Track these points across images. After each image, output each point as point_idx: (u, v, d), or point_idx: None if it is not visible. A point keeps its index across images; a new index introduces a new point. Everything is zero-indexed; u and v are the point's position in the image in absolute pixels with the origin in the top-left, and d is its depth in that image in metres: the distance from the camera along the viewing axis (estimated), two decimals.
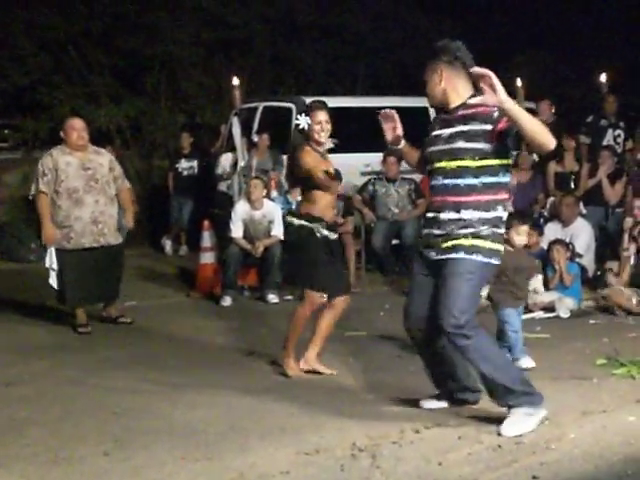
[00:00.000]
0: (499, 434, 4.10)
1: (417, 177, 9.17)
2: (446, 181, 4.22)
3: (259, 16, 13.95)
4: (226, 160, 10.25)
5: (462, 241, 4.17)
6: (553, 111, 10.10)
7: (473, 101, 4.09)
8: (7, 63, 12.59)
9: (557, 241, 7.70)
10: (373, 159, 9.74)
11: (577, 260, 7.88)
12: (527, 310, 7.30)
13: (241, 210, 8.36)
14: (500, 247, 4.25)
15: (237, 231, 8.27)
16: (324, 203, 5.31)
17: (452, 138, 4.20)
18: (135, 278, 9.15)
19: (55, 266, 6.79)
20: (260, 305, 8.00)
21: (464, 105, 4.21)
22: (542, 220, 8.94)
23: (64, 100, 12.62)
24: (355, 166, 9.88)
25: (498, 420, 4.27)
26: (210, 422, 4.43)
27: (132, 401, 4.86)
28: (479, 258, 4.15)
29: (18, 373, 5.59)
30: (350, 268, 8.77)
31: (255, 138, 10.09)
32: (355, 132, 10.68)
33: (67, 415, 4.62)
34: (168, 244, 11.31)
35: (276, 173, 9.72)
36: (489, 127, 4.11)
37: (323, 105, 5.37)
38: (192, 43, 13.27)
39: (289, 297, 8.11)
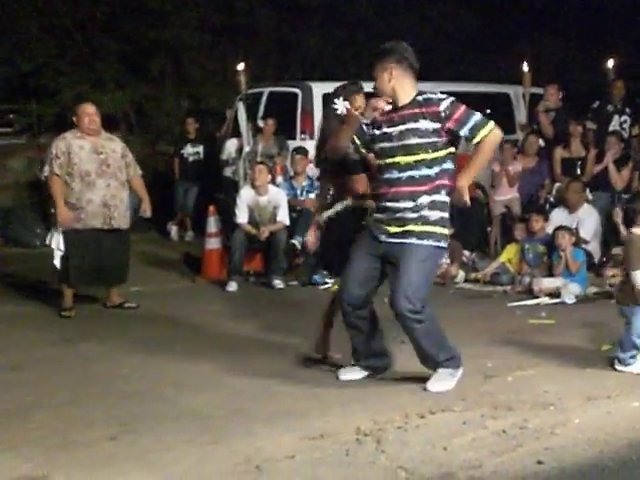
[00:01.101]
0: (425, 389, 4.56)
1: None
2: (401, 174, 4.51)
3: (265, 1, 13.90)
4: (231, 145, 10.25)
5: (412, 227, 4.48)
6: (560, 96, 10.05)
7: (421, 98, 4.50)
8: (12, 48, 12.58)
9: (562, 227, 7.69)
10: None
11: (583, 246, 7.87)
12: (532, 296, 7.34)
13: (246, 195, 8.35)
14: (447, 231, 4.58)
15: (242, 216, 8.28)
16: (364, 184, 5.07)
17: (404, 134, 4.50)
18: (141, 263, 9.17)
19: (62, 246, 6.83)
20: (266, 290, 8.01)
21: (413, 103, 4.52)
22: (548, 206, 8.92)
23: (69, 85, 12.61)
24: None
25: (504, 406, 4.28)
26: (216, 406, 4.45)
27: (138, 386, 4.88)
28: (430, 242, 4.49)
29: (24, 358, 5.61)
30: None
31: (260, 123, 10.07)
32: None
33: (73, 399, 4.64)
34: (174, 230, 11.32)
35: (281, 158, 9.71)
36: (438, 125, 4.47)
37: (360, 89, 5.17)
38: (197, 28, 13.24)
39: (294, 282, 8.13)
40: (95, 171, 6.84)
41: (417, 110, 4.49)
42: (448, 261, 8.31)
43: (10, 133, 13.26)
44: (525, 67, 10.18)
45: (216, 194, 10.19)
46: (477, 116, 4.53)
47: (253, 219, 8.31)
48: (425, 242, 4.47)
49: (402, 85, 4.55)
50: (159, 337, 6.16)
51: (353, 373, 4.91)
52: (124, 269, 7.17)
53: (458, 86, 11.46)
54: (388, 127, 4.57)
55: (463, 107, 4.53)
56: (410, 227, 4.48)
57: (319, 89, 9.95)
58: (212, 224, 8.92)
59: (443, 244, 4.58)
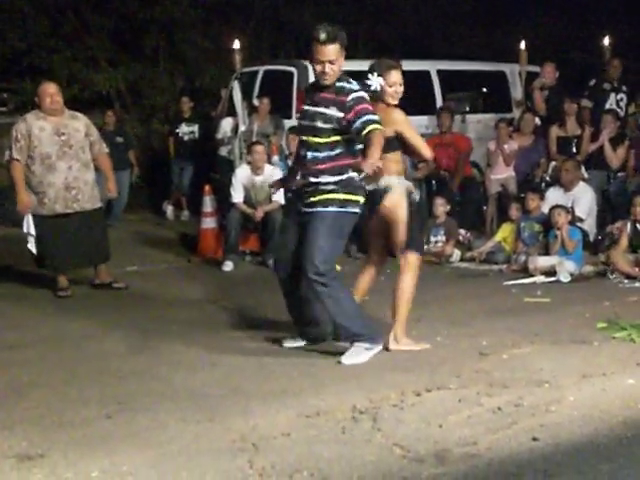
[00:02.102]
0: (339, 362, 4.71)
1: None
2: (309, 153, 4.85)
3: None
4: (227, 124, 10.20)
5: (318, 197, 4.82)
6: (557, 75, 10.02)
7: (339, 85, 4.74)
8: (6, 26, 12.49)
9: (558, 206, 7.69)
10: None
11: (578, 224, 7.87)
12: (528, 274, 7.35)
13: (242, 175, 8.33)
14: (356, 197, 4.81)
15: (238, 196, 8.26)
16: (401, 163, 5.12)
17: (314, 117, 4.82)
18: (136, 243, 9.17)
19: (33, 231, 6.80)
20: (262, 270, 8.00)
21: (330, 87, 4.78)
22: (544, 185, 8.92)
23: (62, 64, 12.53)
24: None
25: (499, 384, 4.30)
26: (211, 385, 4.46)
27: (134, 365, 4.89)
28: (333, 209, 4.79)
29: (20, 337, 5.62)
30: None
31: (256, 102, 10.03)
32: None
33: (70, 378, 4.65)
34: (169, 209, 11.30)
35: (277, 138, 9.68)
36: (342, 114, 4.73)
37: (398, 65, 5.09)
38: (191, 5, 13.13)
39: None
40: (56, 153, 6.73)
41: (330, 96, 4.78)
42: (443, 237, 8.33)
43: (4, 112, 13.19)
44: (522, 45, 10.14)
45: (212, 173, 10.16)
46: (372, 115, 4.70)
47: (249, 199, 8.29)
48: (329, 209, 4.78)
49: (340, 69, 4.79)
50: (155, 316, 6.17)
51: (296, 341, 5.16)
52: (104, 247, 7.11)
53: (454, 65, 11.45)
54: (307, 105, 4.92)
55: (366, 104, 4.73)
56: (317, 197, 4.82)
57: None
58: (208, 203, 8.91)
59: (350, 209, 4.82)
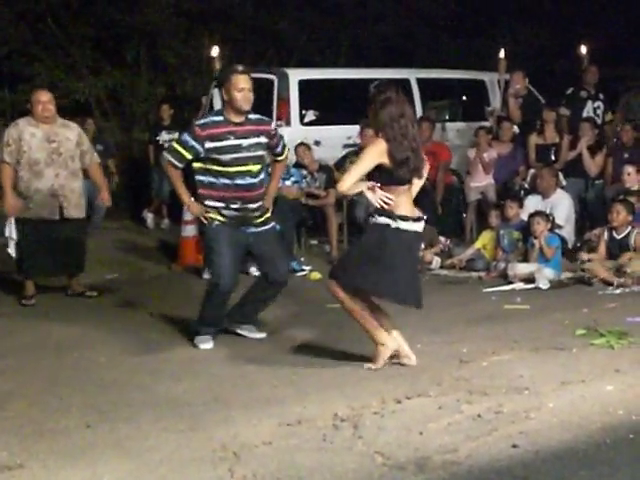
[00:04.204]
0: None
1: None
2: (252, 180, 5.39)
3: None
4: None
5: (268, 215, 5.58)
6: (527, 83, 10.10)
7: (253, 117, 5.44)
8: None
9: (537, 213, 7.75)
10: (355, 132, 9.73)
11: (557, 231, 7.93)
12: (507, 281, 7.39)
13: None
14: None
15: None
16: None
17: (254, 147, 5.37)
18: (116, 251, 9.12)
19: (14, 235, 6.79)
20: (242, 278, 7.95)
21: (248, 120, 5.40)
22: (523, 192, 8.98)
23: (43, 71, 12.48)
24: (338, 138, 9.84)
25: (479, 391, 4.32)
26: (193, 394, 4.46)
27: (115, 374, 4.88)
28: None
29: None
30: (332, 240, 8.80)
31: None
32: (338, 104, 10.65)
33: (50, 388, 4.63)
34: (149, 217, 11.24)
35: None
36: (268, 140, 5.47)
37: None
38: (172, 13, 13.12)
39: None
40: (44, 160, 6.75)
41: (256, 127, 5.47)
42: (422, 246, 8.36)
43: None
44: (501, 54, 10.21)
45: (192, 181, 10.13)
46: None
47: None
48: (275, 225, 5.72)
49: None
50: (136, 325, 6.15)
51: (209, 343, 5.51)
52: (81, 258, 7.13)
53: (434, 73, 11.50)
54: (235, 139, 5.37)
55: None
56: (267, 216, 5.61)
57: (295, 76, 9.93)
58: (188, 211, 8.87)
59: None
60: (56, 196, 6.81)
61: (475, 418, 3.95)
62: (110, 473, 3.43)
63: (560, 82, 11.29)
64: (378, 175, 4.74)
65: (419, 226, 4.82)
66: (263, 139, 5.46)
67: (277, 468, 3.43)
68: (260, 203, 5.49)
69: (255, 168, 5.42)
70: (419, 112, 10.64)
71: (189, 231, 8.75)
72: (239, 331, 5.69)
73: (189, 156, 5.43)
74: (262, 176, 5.53)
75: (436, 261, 8.27)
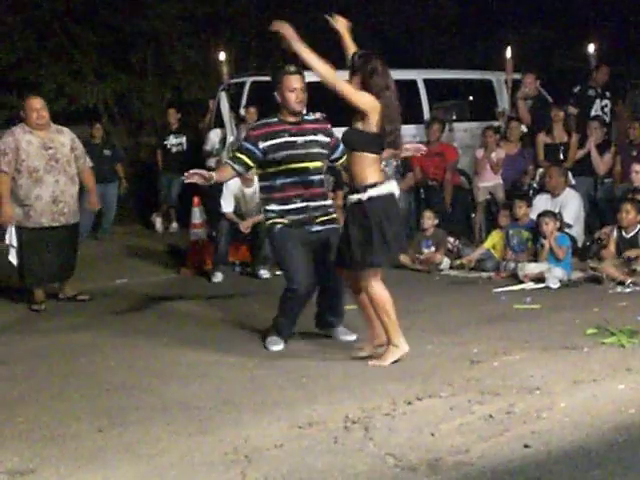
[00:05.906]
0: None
1: None
2: (310, 177, 5.34)
3: None
4: (215, 136, 10.22)
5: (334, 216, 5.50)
6: (538, 85, 10.08)
7: (310, 117, 5.49)
8: None
9: (546, 213, 7.72)
10: None
11: (566, 230, 7.90)
12: (517, 281, 7.37)
13: (233, 186, 8.33)
14: None
15: (228, 206, 8.26)
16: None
17: (309, 144, 5.33)
18: (125, 256, 9.15)
19: (15, 243, 6.80)
20: (251, 281, 8.00)
21: (304, 120, 5.40)
22: (531, 192, 8.95)
23: (50, 77, 12.52)
24: None
25: (490, 391, 4.31)
26: (203, 397, 4.45)
27: (125, 378, 4.88)
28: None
29: (9, 352, 5.60)
30: None
31: (242, 112, 10.04)
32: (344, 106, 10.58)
33: (60, 393, 4.63)
34: (158, 221, 11.29)
35: None
36: (326, 139, 5.42)
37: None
38: (178, 18, 13.15)
39: (280, 272, 8.10)
40: (43, 167, 6.76)
41: (313, 125, 5.47)
42: (433, 248, 8.34)
43: None
44: (508, 54, 10.19)
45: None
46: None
47: (238, 210, 8.29)
48: (337, 225, 5.43)
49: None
50: (145, 329, 6.15)
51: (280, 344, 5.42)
52: (72, 263, 7.15)
53: (441, 73, 11.50)
54: (290, 136, 5.34)
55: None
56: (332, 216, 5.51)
57: None
58: (197, 215, 8.90)
59: None
60: (57, 202, 6.82)
61: (487, 418, 3.93)
62: (121, 477, 3.42)
63: (567, 81, 11.26)
64: (356, 140, 4.79)
65: (389, 186, 4.84)
66: (321, 137, 5.38)
67: (289, 471, 3.42)
68: (322, 202, 5.39)
69: (312, 165, 5.33)
70: (426, 113, 10.65)
71: (198, 234, 8.77)
72: (332, 335, 5.61)
73: (249, 161, 5.32)
74: (321, 175, 5.42)
75: (445, 262, 8.25)
